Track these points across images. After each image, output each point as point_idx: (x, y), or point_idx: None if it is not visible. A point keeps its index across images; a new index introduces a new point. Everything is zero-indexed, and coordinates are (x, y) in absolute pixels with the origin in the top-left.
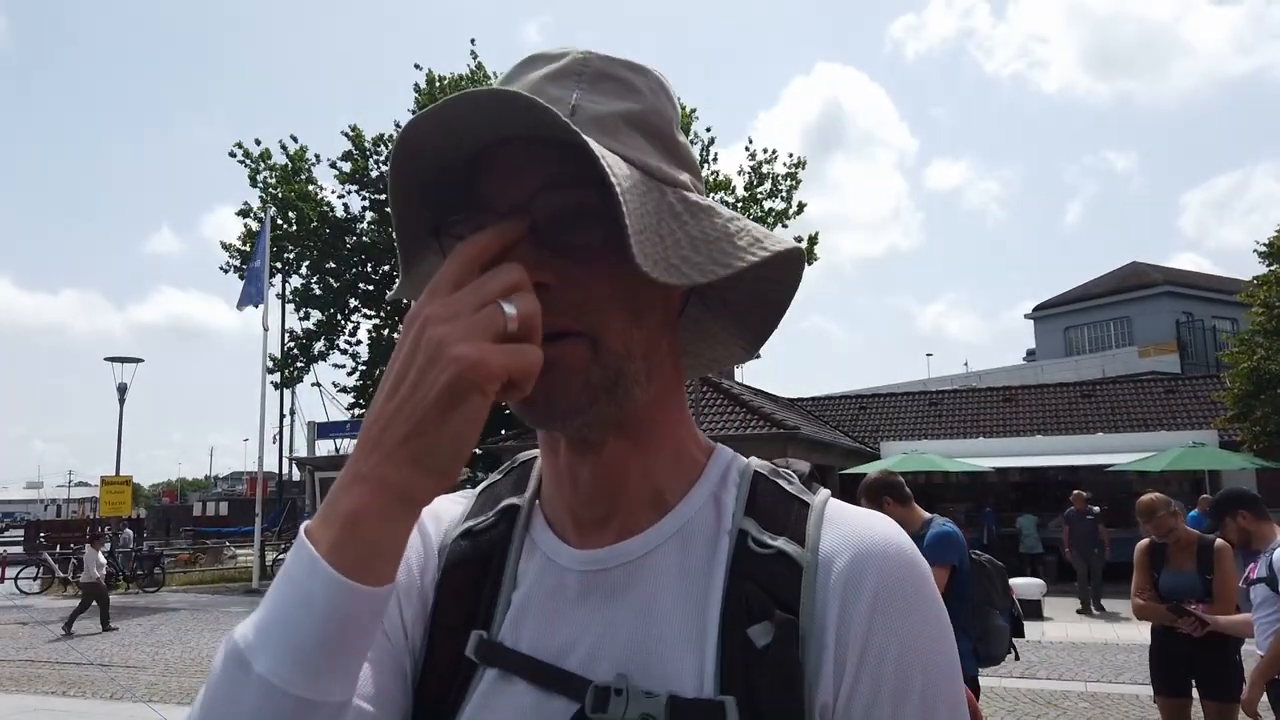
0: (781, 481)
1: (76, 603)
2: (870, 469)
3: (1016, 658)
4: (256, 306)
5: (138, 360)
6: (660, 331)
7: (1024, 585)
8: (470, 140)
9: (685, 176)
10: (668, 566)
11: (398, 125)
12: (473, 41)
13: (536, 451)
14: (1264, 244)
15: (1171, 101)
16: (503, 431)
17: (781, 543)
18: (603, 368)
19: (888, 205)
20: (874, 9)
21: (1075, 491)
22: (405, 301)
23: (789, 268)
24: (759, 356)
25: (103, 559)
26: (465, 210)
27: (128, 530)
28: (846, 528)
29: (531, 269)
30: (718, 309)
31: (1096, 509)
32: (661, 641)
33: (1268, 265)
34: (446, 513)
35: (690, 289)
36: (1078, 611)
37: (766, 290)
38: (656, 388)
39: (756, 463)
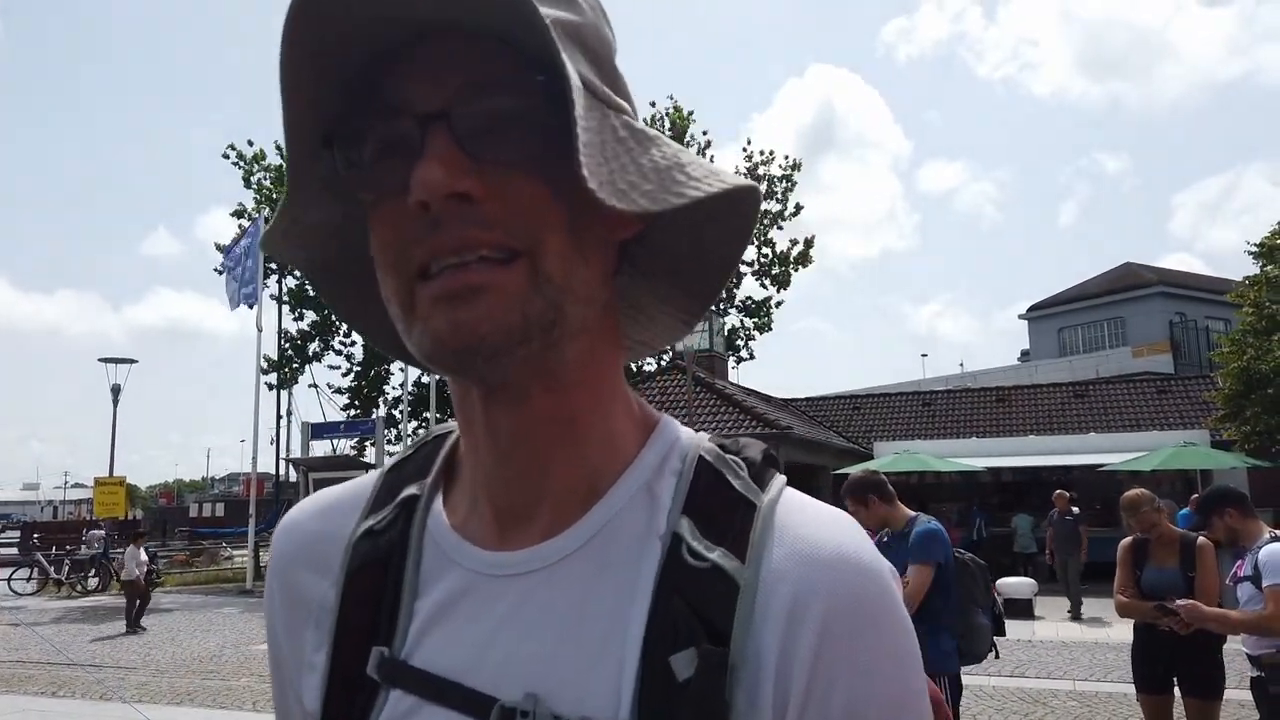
0: (728, 474)
1: (70, 604)
2: (860, 469)
3: (996, 656)
4: (251, 308)
5: (131, 361)
6: (601, 280)
7: (1015, 584)
8: (384, 23)
9: (626, 107)
10: (588, 573)
11: None
12: None
13: (451, 426)
14: (1256, 244)
15: (1163, 104)
16: None
17: (718, 555)
18: (542, 298)
19: (882, 206)
20: (865, 12)
21: (1058, 492)
22: None
23: (742, 210)
24: (709, 341)
25: (144, 557)
26: (367, 115)
27: (95, 531)
28: (795, 538)
29: (453, 175)
30: (650, 275)
31: (1077, 510)
32: (576, 660)
33: (1260, 265)
34: (350, 507)
35: (621, 250)
36: (1068, 612)
37: (712, 242)
38: (593, 345)
39: (705, 445)
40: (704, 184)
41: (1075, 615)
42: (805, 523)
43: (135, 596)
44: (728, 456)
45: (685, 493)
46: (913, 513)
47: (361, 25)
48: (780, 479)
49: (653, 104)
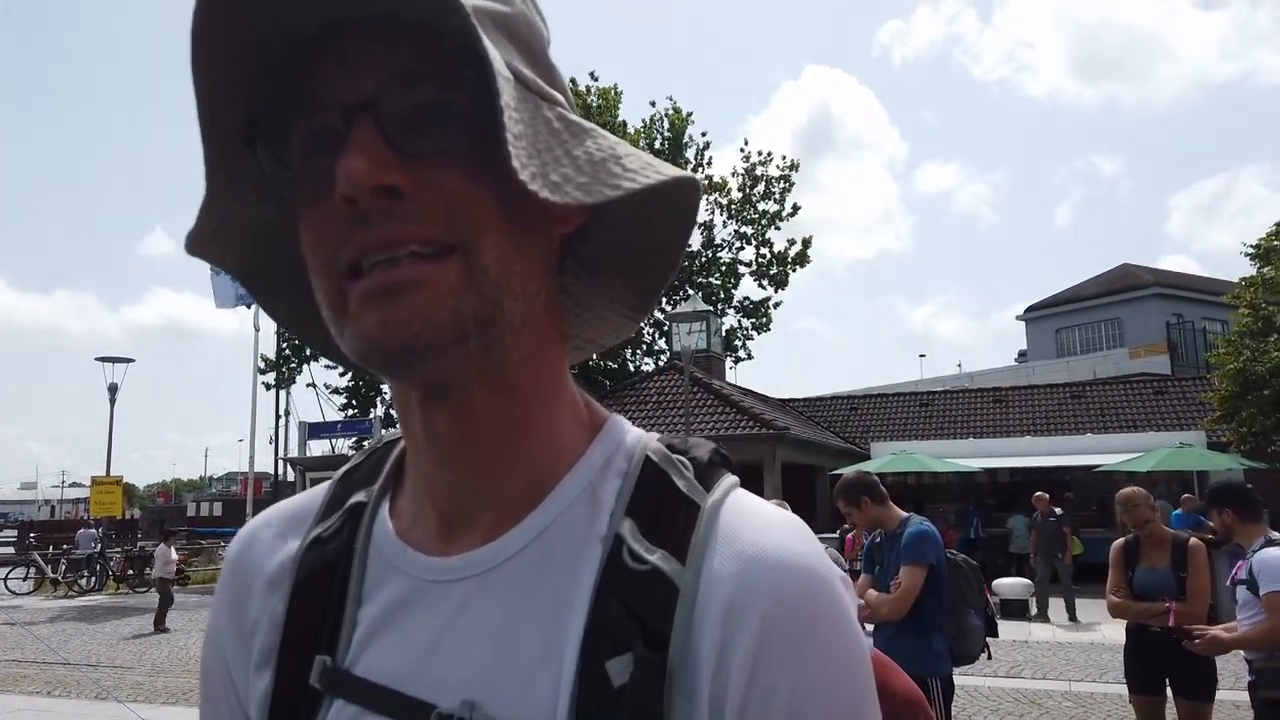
0: (673, 474)
1: (67, 603)
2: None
3: (989, 657)
4: (248, 307)
5: (128, 360)
6: (541, 275)
7: (1010, 585)
8: (298, 14)
9: (560, 99)
10: (528, 576)
11: None
12: None
13: (399, 432)
14: (1252, 246)
15: (1158, 106)
16: None
17: (658, 558)
18: (478, 294)
19: (878, 208)
20: (860, 15)
21: (1038, 494)
22: None
23: (684, 202)
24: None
25: (174, 556)
26: (289, 111)
27: (86, 530)
28: (738, 539)
29: (378, 168)
30: (595, 272)
31: (1059, 511)
32: (515, 666)
33: (1256, 267)
34: (302, 517)
35: (565, 246)
36: (1032, 616)
37: (656, 235)
38: (535, 343)
39: (653, 445)
40: (640, 175)
41: (1071, 616)
42: (749, 525)
43: (161, 594)
44: (674, 456)
45: (629, 494)
46: (905, 513)
47: (272, 17)
48: (729, 479)
49: (653, 104)
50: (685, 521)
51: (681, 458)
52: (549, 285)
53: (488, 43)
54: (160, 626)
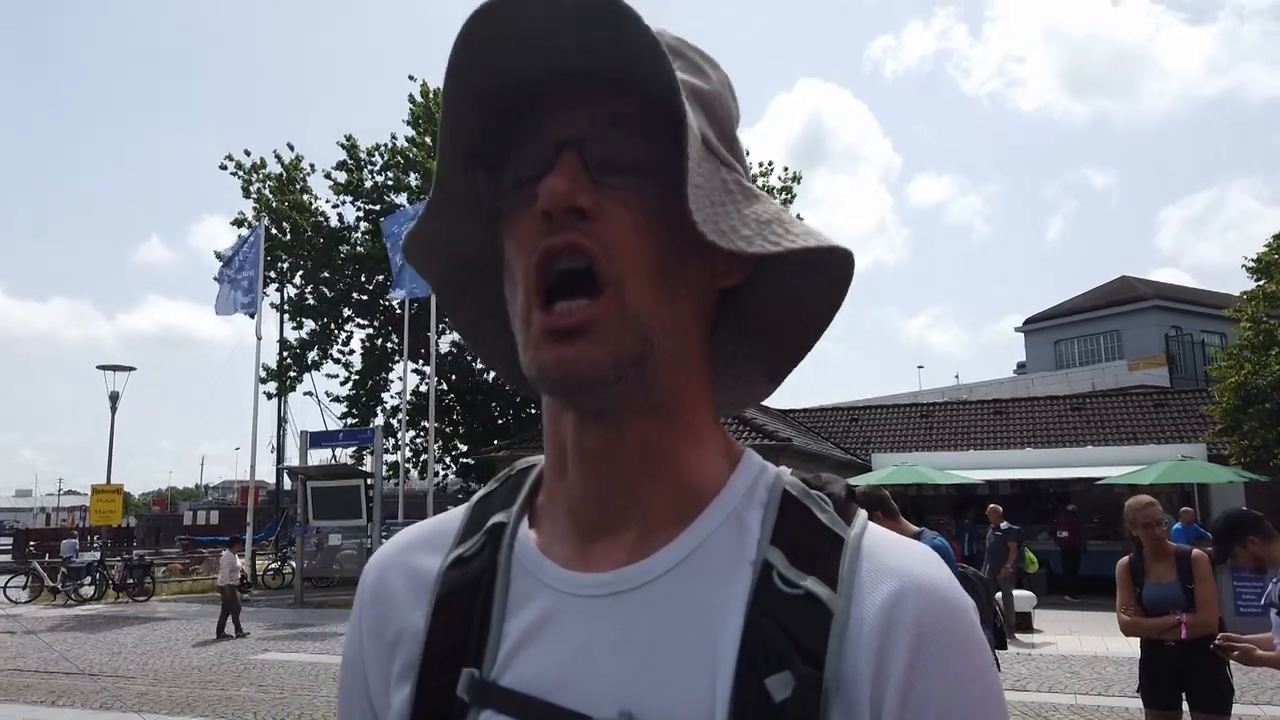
0: (813, 508)
1: (67, 612)
2: (860, 482)
3: (998, 669)
4: (251, 317)
5: (130, 368)
6: (694, 319)
7: (1014, 598)
8: (536, 65)
9: (739, 169)
10: (679, 595)
11: (393, 136)
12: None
13: (535, 459)
14: (1253, 260)
15: (1148, 120)
16: (494, 442)
17: (811, 583)
18: (631, 333)
19: (873, 220)
20: (851, 30)
21: (991, 506)
22: (399, 307)
23: (838, 274)
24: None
25: (238, 563)
26: (509, 139)
27: (69, 540)
28: (884, 568)
29: (575, 190)
30: (743, 332)
31: (1006, 525)
32: (669, 680)
33: (1256, 281)
34: (439, 539)
35: (723, 303)
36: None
37: (805, 303)
38: (686, 378)
39: (788, 478)
40: (801, 238)
41: (1010, 636)
42: (891, 555)
43: (228, 603)
44: (813, 492)
45: (773, 523)
46: (917, 528)
47: (515, 66)
48: (863, 514)
49: None
50: (831, 551)
51: (819, 493)
52: (702, 329)
53: (686, 102)
54: (233, 633)
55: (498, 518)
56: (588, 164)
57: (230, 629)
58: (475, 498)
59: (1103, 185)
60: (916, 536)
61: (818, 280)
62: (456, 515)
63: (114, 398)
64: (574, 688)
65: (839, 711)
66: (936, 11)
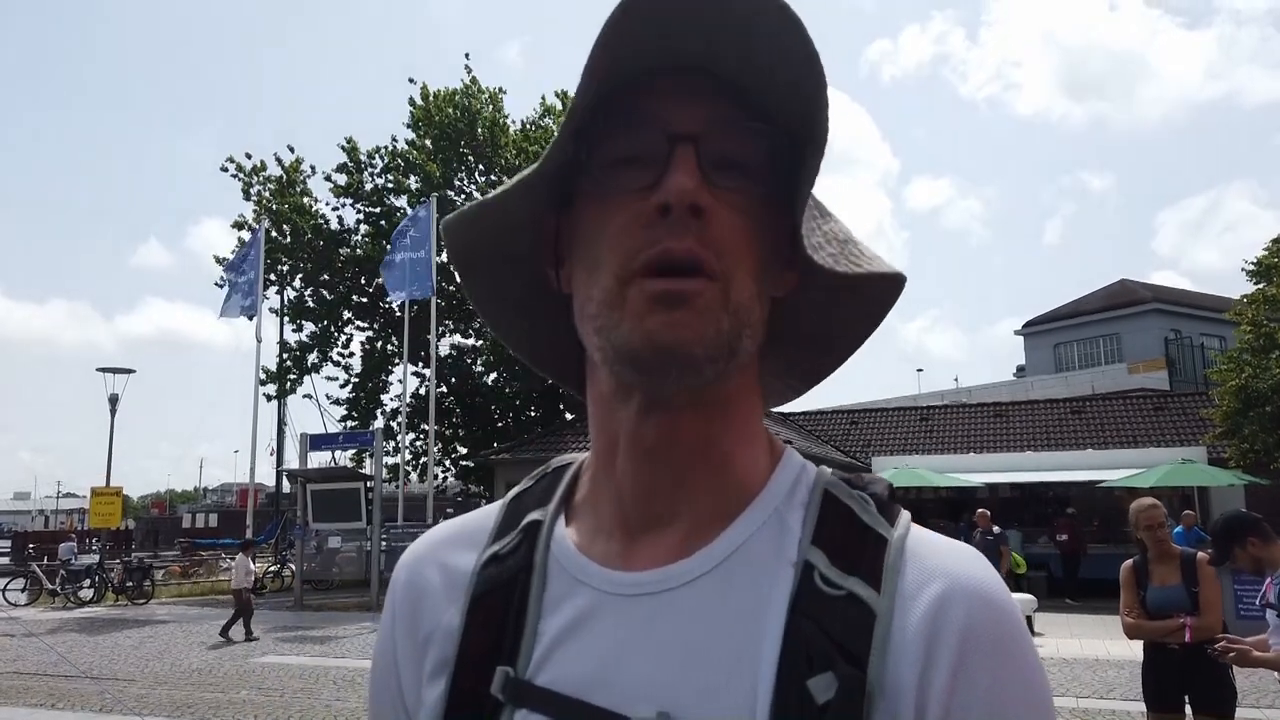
0: (856, 508)
1: (66, 615)
2: None
3: None
4: (250, 319)
5: (129, 371)
6: (764, 322)
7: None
8: (684, 49)
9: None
10: (719, 594)
11: (394, 139)
12: (467, 56)
13: (571, 457)
14: (1252, 263)
15: (1145, 124)
16: (494, 445)
17: (853, 584)
18: (731, 320)
19: (871, 223)
20: (849, 34)
21: (980, 511)
22: (398, 310)
23: (886, 296)
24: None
25: (252, 567)
26: (619, 121)
27: (66, 543)
28: (929, 569)
29: (697, 189)
30: (778, 341)
31: (998, 529)
32: (708, 680)
33: (1255, 284)
34: (474, 537)
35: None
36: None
37: (845, 321)
38: (746, 378)
39: (828, 477)
40: (873, 263)
41: None
42: (936, 555)
43: (242, 606)
44: (855, 491)
45: (814, 522)
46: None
47: (659, 48)
48: (906, 515)
49: None
50: (874, 551)
51: (861, 492)
52: (764, 333)
53: (829, 124)
54: (242, 637)
55: (534, 515)
56: (703, 162)
57: (237, 632)
58: (510, 495)
59: (1100, 189)
60: None
61: (864, 300)
62: (490, 512)
63: (113, 400)
64: (611, 687)
65: (883, 714)
66: (934, 16)
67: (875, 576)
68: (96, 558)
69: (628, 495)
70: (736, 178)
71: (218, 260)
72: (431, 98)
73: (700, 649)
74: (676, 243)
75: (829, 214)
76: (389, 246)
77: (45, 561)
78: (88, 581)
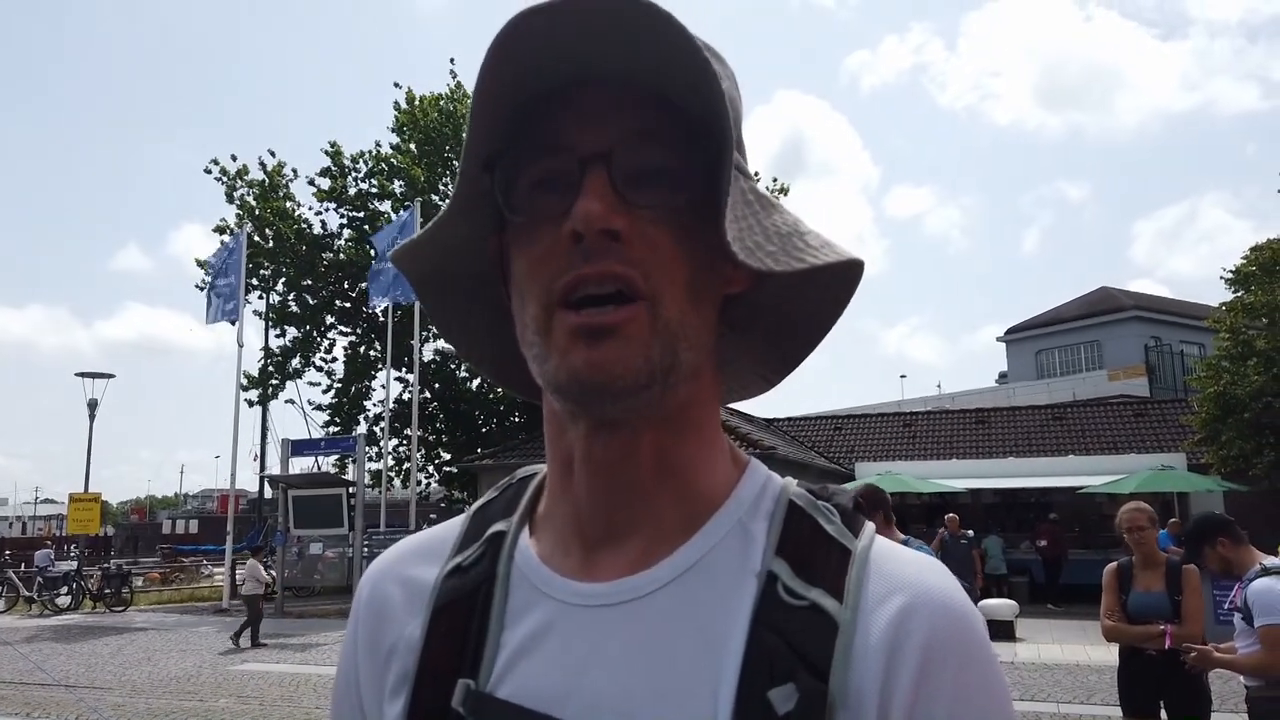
0: (820, 519)
1: (43, 622)
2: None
3: None
4: (232, 324)
5: (109, 376)
6: (709, 329)
7: (996, 606)
8: (577, 61)
9: (750, 171)
10: (682, 605)
11: (378, 144)
12: (452, 61)
13: (536, 468)
14: (1231, 271)
15: (1121, 134)
16: (478, 450)
17: (816, 595)
18: (661, 344)
19: (852, 230)
20: (828, 45)
21: (949, 515)
22: (381, 315)
23: (846, 282)
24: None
25: (263, 574)
26: (530, 147)
27: (43, 550)
28: (891, 580)
29: (609, 213)
30: (744, 332)
31: (971, 533)
32: (670, 691)
33: (1234, 292)
34: (437, 549)
35: (723, 304)
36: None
37: (809, 308)
38: (699, 389)
39: (794, 489)
40: (821, 253)
41: None
42: (899, 566)
43: (254, 613)
44: (819, 503)
45: (778, 533)
46: (904, 536)
47: (548, 70)
48: (870, 526)
49: None
50: (838, 563)
51: (826, 504)
52: (712, 337)
53: (732, 126)
54: (248, 642)
55: (498, 526)
56: (615, 181)
57: (245, 640)
58: (474, 506)
59: (1078, 198)
60: (903, 544)
61: (824, 288)
62: (455, 525)
63: (92, 405)
64: (573, 699)
65: None
66: (912, 26)
67: (838, 587)
68: (74, 564)
69: (585, 510)
70: (658, 189)
71: (200, 264)
72: (417, 102)
73: (662, 660)
74: (592, 268)
75: (774, 206)
76: (373, 253)
77: (22, 568)
78: (65, 588)
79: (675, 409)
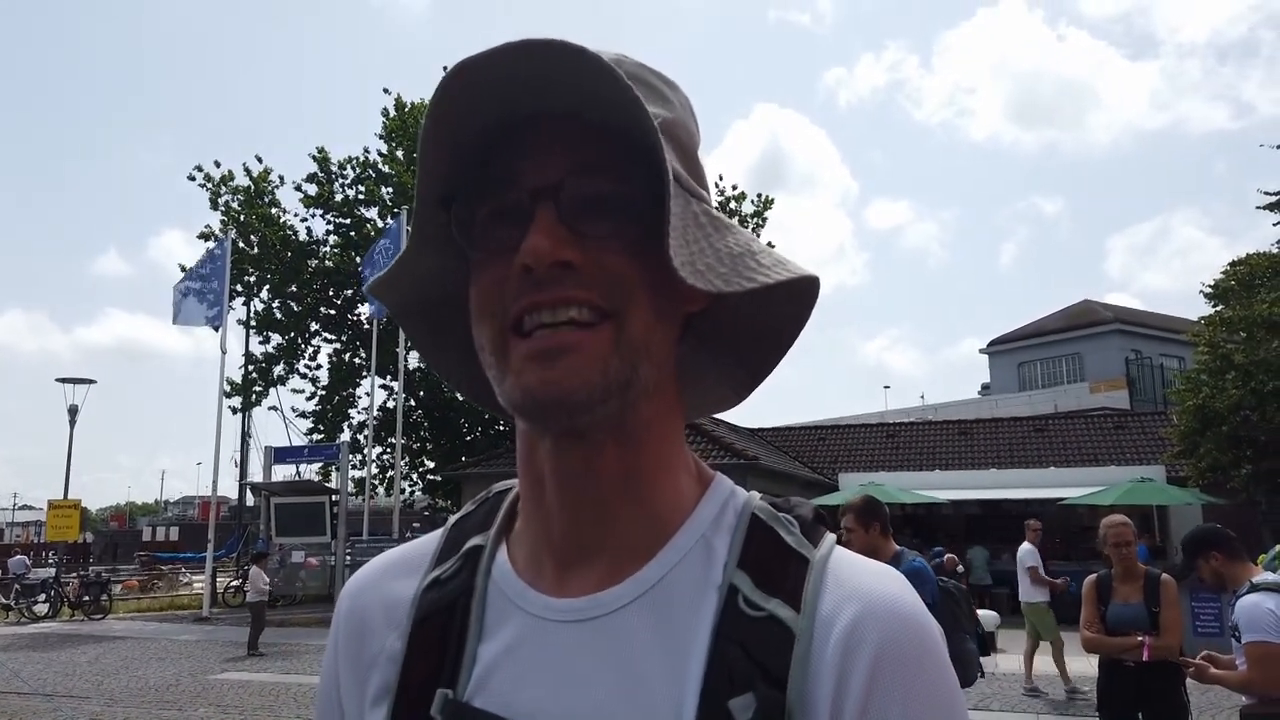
0: (781, 530)
1: (20, 630)
2: (828, 501)
3: (983, 675)
4: (216, 330)
5: (90, 381)
6: (670, 347)
7: (979, 617)
8: (517, 103)
9: (706, 195)
10: (647, 620)
11: (366, 150)
12: (445, 69)
13: (512, 482)
14: (1210, 286)
15: (1094, 152)
16: (462, 459)
17: (774, 605)
18: (621, 359)
19: (832, 244)
20: (805, 61)
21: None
22: (367, 323)
23: (803, 297)
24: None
25: (266, 579)
26: (481, 183)
27: (18, 557)
28: (847, 589)
29: (557, 247)
30: (710, 347)
31: (942, 550)
32: (636, 703)
33: (1213, 306)
34: (416, 563)
35: (687, 321)
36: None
37: (772, 323)
38: (661, 405)
39: (756, 502)
40: (772, 272)
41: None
42: (856, 575)
43: (258, 619)
44: (780, 515)
45: (740, 546)
46: (899, 547)
47: (494, 107)
48: (830, 536)
49: None
50: (796, 573)
51: (787, 515)
52: (674, 354)
53: (667, 152)
54: (254, 649)
55: (475, 540)
56: (564, 214)
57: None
58: (452, 520)
59: (1053, 213)
60: (896, 556)
61: (784, 303)
62: (433, 539)
63: (72, 411)
64: (546, 711)
65: None
66: (888, 45)
67: (796, 597)
68: (53, 571)
69: (556, 526)
70: (607, 218)
71: (182, 269)
72: (406, 109)
73: (631, 673)
74: (545, 295)
75: (728, 228)
76: (359, 260)
77: (1, 575)
78: (43, 596)
79: (638, 425)
